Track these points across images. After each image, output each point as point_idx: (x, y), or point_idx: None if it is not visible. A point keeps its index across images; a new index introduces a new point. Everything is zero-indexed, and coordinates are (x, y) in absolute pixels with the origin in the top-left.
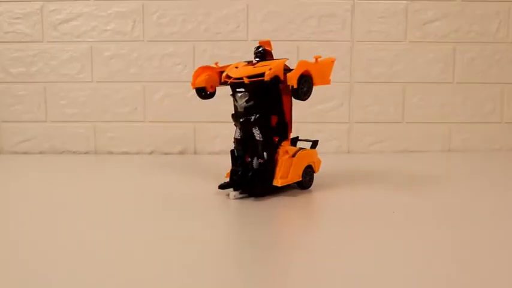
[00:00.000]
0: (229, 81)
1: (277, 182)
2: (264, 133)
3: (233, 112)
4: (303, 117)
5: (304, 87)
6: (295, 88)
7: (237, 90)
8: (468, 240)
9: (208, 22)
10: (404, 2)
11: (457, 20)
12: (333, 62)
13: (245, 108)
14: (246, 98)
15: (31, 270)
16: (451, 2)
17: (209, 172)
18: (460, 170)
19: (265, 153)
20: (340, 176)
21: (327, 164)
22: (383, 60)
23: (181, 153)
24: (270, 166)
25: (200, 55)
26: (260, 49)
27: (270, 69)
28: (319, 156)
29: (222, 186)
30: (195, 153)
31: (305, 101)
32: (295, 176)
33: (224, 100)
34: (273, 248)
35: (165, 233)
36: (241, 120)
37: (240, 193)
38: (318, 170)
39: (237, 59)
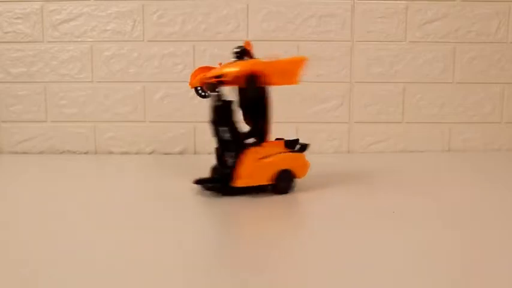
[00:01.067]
0: (210, 81)
1: (236, 182)
2: (233, 133)
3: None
4: (303, 117)
5: (251, 87)
6: (244, 87)
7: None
8: (468, 239)
9: (208, 22)
10: (404, 2)
11: (457, 20)
12: (302, 60)
13: (216, 107)
14: (217, 98)
15: (30, 269)
16: (451, 2)
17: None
18: (459, 170)
19: (232, 154)
20: (340, 176)
21: (326, 164)
22: (383, 60)
23: (181, 153)
24: (235, 166)
25: (200, 55)
26: (238, 49)
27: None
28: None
29: (199, 182)
30: (195, 153)
31: (305, 101)
32: (263, 178)
33: None
34: (273, 248)
35: (164, 233)
36: (212, 120)
37: (209, 188)
38: (303, 175)
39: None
